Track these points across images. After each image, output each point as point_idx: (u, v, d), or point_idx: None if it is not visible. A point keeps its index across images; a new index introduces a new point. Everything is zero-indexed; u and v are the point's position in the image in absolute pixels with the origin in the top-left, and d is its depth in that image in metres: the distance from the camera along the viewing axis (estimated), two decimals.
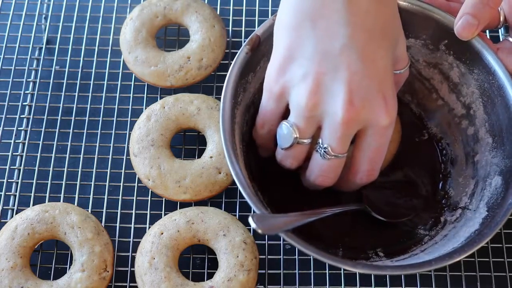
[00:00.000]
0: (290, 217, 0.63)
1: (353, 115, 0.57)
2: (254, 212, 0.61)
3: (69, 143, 0.77)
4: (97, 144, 0.77)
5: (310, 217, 0.65)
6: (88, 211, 0.72)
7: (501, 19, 0.70)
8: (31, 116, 0.79)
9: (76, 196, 0.74)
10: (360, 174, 0.64)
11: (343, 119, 0.58)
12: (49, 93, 0.80)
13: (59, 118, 0.79)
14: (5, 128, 0.78)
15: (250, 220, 0.58)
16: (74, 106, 0.79)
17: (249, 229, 0.71)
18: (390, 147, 0.67)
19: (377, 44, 0.58)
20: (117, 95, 0.80)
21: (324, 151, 0.60)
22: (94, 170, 0.75)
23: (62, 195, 0.74)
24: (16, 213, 0.71)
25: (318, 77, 0.58)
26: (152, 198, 0.74)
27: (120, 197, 0.74)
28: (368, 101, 0.58)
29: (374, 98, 0.58)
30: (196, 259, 0.71)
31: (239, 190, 0.62)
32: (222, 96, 0.66)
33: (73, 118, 0.79)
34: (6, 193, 0.74)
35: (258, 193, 0.67)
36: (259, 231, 0.58)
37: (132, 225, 0.72)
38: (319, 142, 0.61)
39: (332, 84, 0.57)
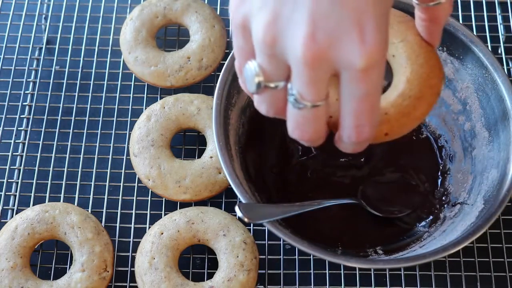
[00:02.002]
0: (277, 207, 0.64)
1: (316, 54, 0.46)
2: (240, 201, 0.62)
3: (69, 143, 0.77)
4: (97, 144, 0.77)
5: (298, 208, 0.65)
6: (88, 211, 0.72)
7: None
8: (31, 116, 0.79)
9: (76, 196, 0.74)
10: (347, 130, 0.51)
11: (304, 58, 0.46)
12: (49, 93, 0.80)
13: (59, 118, 0.79)
14: (5, 128, 0.78)
15: (236, 208, 0.59)
16: (74, 106, 0.79)
17: (249, 229, 0.71)
18: (419, 105, 0.56)
19: None
20: (117, 95, 0.80)
21: (294, 98, 0.49)
22: (94, 170, 0.75)
23: (62, 195, 0.74)
24: (16, 213, 0.71)
25: (276, 5, 0.47)
26: (152, 198, 0.74)
27: (120, 197, 0.74)
28: (336, 36, 0.46)
29: (346, 32, 0.46)
30: (196, 259, 0.71)
31: None
32: (214, 97, 0.67)
33: (73, 118, 0.79)
34: (6, 193, 0.74)
35: (255, 194, 0.67)
36: (245, 219, 0.58)
37: (132, 225, 0.72)
38: (288, 88, 0.50)
39: (292, 14, 0.46)
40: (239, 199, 0.63)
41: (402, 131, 0.56)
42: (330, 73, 0.48)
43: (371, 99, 0.49)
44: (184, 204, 0.73)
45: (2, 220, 0.72)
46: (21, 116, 0.79)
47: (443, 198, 0.71)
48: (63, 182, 0.75)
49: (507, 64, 0.82)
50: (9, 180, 0.75)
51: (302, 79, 0.48)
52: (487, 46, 0.79)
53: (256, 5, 0.48)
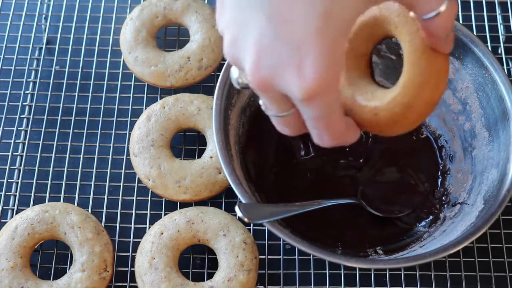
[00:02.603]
0: (277, 207, 0.64)
1: (261, 81, 0.49)
2: (240, 201, 0.63)
3: (69, 143, 0.77)
4: (97, 144, 0.77)
5: (298, 208, 0.65)
6: (88, 211, 0.72)
7: None
8: (31, 116, 0.79)
9: (76, 196, 0.74)
10: (312, 135, 0.54)
11: (253, 84, 0.49)
12: (49, 93, 0.80)
13: (59, 118, 0.79)
14: (5, 128, 0.78)
15: (236, 208, 0.59)
16: (74, 106, 0.79)
17: (249, 229, 0.71)
18: (409, 114, 0.54)
19: None
20: (117, 95, 0.80)
21: (263, 107, 0.53)
22: (94, 170, 0.75)
23: (62, 195, 0.74)
24: (16, 213, 0.71)
25: (235, 28, 0.49)
26: (152, 198, 0.74)
27: (120, 197, 0.74)
28: (277, 68, 0.48)
29: (285, 65, 0.47)
30: (196, 259, 0.71)
31: None
32: (214, 97, 0.67)
33: (73, 118, 0.79)
34: (6, 193, 0.74)
35: (255, 194, 0.67)
36: (245, 219, 0.59)
37: (132, 225, 0.72)
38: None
39: (245, 41, 0.49)
40: (239, 199, 0.63)
41: (393, 133, 0.56)
42: (282, 94, 0.50)
43: (322, 121, 0.51)
44: (184, 204, 0.73)
45: (2, 220, 0.72)
46: (21, 116, 0.79)
47: (443, 198, 0.71)
48: (63, 182, 0.75)
49: (507, 64, 0.82)
50: (9, 180, 0.75)
51: (260, 95, 0.51)
52: (487, 46, 0.79)
53: (225, 24, 0.50)
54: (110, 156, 0.76)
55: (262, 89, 0.49)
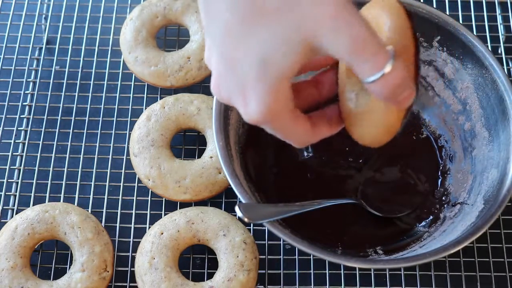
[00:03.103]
0: (277, 207, 0.64)
1: (222, 99, 0.53)
2: (240, 201, 0.63)
3: (69, 143, 0.77)
4: (97, 144, 0.77)
5: (298, 208, 0.65)
6: (88, 211, 0.72)
7: None
8: (31, 116, 0.79)
9: (76, 196, 0.74)
10: None
11: (217, 98, 0.55)
12: (49, 93, 0.80)
13: (59, 118, 0.79)
14: (5, 128, 0.78)
15: (237, 208, 0.60)
16: (74, 106, 0.79)
17: (249, 229, 0.71)
18: (362, 140, 0.58)
19: (238, 39, 0.50)
20: (117, 95, 0.80)
21: None
22: (94, 170, 0.75)
23: (62, 195, 0.74)
24: (16, 213, 0.71)
25: (207, 46, 0.53)
26: (152, 198, 0.74)
27: (120, 197, 0.74)
28: (231, 95, 0.52)
29: (235, 95, 0.52)
30: (196, 259, 0.71)
31: None
32: (214, 97, 0.67)
33: (73, 118, 0.79)
34: (6, 193, 0.74)
35: (255, 194, 0.67)
36: (245, 219, 0.59)
37: (132, 225, 0.72)
38: None
39: (211, 63, 0.53)
40: (239, 199, 0.63)
41: (358, 141, 0.58)
42: None
43: (282, 135, 0.54)
44: (184, 204, 0.73)
45: (2, 220, 0.72)
46: (21, 116, 0.79)
47: (443, 198, 0.71)
48: (63, 182, 0.75)
49: (507, 64, 0.82)
50: (9, 180, 0.75)
51: None
52: (487, 46, 0.79)
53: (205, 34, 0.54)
54: (110, 156, 0.76)
55: (225, 103, 0.53)
